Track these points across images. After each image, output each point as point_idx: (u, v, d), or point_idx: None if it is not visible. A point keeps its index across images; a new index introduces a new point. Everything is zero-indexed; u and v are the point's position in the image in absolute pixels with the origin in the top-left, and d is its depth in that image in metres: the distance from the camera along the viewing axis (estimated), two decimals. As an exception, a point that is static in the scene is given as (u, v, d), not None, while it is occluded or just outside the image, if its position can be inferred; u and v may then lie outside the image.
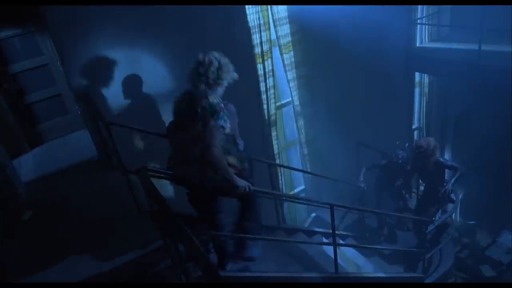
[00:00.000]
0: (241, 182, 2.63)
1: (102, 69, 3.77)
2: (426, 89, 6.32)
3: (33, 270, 2.75)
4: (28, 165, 4.11)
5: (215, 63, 2.60)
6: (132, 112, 4.02)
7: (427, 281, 4.16)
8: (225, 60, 2.66)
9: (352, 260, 4.37)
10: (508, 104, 5.79)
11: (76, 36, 3.54)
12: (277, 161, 5.32)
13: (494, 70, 4.89)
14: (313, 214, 5.99)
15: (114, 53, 3.79)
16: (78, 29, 3.52)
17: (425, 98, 6.40)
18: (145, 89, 4.09)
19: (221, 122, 2.49)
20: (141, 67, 4.01)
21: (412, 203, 5.21)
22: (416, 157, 4.34)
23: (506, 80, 4.79)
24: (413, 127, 6.73)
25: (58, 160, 4.08)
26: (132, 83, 3.98)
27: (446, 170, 4.40)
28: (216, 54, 2.65)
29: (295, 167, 5.86)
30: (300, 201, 5.61)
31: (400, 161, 4.94)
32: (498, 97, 6.52)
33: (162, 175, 2.78)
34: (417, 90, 6.35)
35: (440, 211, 4.50)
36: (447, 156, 6.89)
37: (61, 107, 4.43)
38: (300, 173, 5.94)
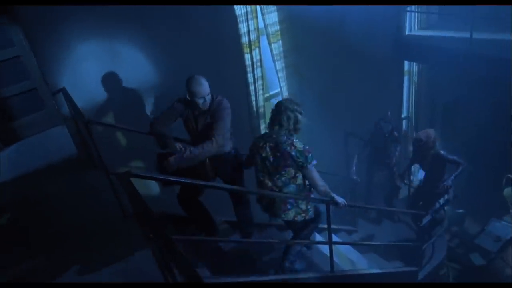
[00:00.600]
0: (339, 199, 2.91)
1: (79, 63, 3.54)
2: (415, 78, 6.25)
3: (7, 278, 2.56)
4: (2, 165, 3.84)
5: (296, 114, 2.71)
6: (112, 108, 3.81)
7: (421, 273, 4.13)
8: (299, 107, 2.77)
9: (345, 255, 4.29)
10: (497, 92, 5.78)
11: (50, 26, 3.29)
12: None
13: (484, 58, 4.83)
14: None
15: (92, 46, 3.56)
16: (51, 19, 3.28)
17: (414, 86, 6.34)
18: (126, 84, 3.88)
19: (314, 162, 2.71)
20: (122, 61, 3.78)
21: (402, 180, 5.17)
22: (416, 150, 4.26)
23: (496, 68, 4.75)
24: (402, 116, 6.69)
25: (35, 159, 3.81)
26: (112, 78, 3.76)
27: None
28: (289, 103, 2.75)
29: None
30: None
31: (385, 133, 4.91)
32: (487, 85, 6.52)
33: (148, 177, 2.61)
34: (406, 79, 6.28)
35: (438, 204, 4.46)
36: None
37: (36, 102, 4.13)
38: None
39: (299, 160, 2.65)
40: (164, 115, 3.07)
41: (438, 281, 4.63)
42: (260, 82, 4.80)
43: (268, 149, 2.77)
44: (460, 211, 6.19)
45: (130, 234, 2.40)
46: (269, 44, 4.80)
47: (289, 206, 2.89)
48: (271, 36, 4.73)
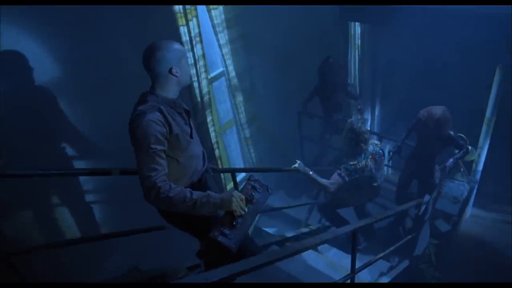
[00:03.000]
0: None
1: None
2: (358, 41, 5.66)
3: None
4: None
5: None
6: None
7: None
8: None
9: (335, 263, 3.62)
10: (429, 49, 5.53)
11: None
12: (216, 152, 4.13)
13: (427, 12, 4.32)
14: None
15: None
16: None
17: (357, 51, 5.77)
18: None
19: None
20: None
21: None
22: (423, 130, 3.58)
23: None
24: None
25: None
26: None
27: None
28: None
29: (234, 152, 4.76)
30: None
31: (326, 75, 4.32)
32: (419, 43, 6.33)
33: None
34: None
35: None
36: (376, 110, 6.55)
37: None
38: (240, 160, 4.85)
39: None
40: None
41: (423, 260, 4.30)
42: (201, 62, 3.66)
43: None
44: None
45: None
46: (208, 11, 3.65)
47: None
48: (209, 0, 3.57)
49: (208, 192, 1.78)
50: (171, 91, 1.92)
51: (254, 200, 1.83)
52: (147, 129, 1.74)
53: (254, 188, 1.89)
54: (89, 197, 3.42)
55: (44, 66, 2.82)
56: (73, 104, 3.07)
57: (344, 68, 5.09)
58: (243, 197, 1.79)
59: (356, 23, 5.51)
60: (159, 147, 1.77)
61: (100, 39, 3.02)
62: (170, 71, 1.87)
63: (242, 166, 4.81)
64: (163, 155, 1.79)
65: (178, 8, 3.23)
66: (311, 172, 3.12)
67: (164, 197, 1.70)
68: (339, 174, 3.19)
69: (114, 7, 2.82)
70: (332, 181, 3.18)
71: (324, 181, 3.16)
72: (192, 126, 2.07)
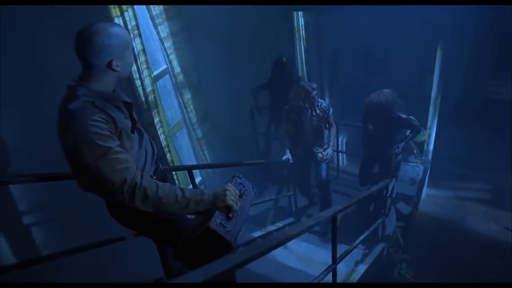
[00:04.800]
0: None
1: None
2: (303, 32, 5.60)
3: None
4: None
5: None
6: None
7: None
8: None
9: (308, 258, 3.43)
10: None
11: None
12: (167, 156, 3.79)
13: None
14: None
15: None
16: None
17: (302, 43, 5.70)
18: None
19: None
20: None
21: None
22: (371, 114, 3.56)
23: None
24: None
25: None
26: None
27: None
28: None
29: (187, 155, 4.42)
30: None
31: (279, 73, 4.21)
32: (360, 33, 6.44)
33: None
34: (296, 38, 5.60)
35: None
36: (326, 100, 6.54)
37: None
38: (194, 162, 4.52)
39: None
40: None
41: (390, 244, 4.27)
42: (142, 58, 3.31)
43: None
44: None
45: None
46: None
47: None
48: (145, -12, 3.26)
49: (200, 188, 1.54)
50: (107, 85, 1.55)
51: (243, 197, 1.62)
52: (91, 132, 1.38)
53: (241, 185, 1.68)
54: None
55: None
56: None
57: (294, 65, 4.97)
58: (237, 191, 1.55)
59: (300, 14, 5.46)
60: (114, 144, 1.43)
61: (22, 41, 2.57)
62: (109, 64, 1.49)
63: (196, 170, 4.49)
64: (122, 149, 1.46)
65: (110, -3, 2.89)
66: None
67: (152, 197, 1.42)
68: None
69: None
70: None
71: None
72: (136, 119, 1.73)
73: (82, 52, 1.46)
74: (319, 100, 3.61)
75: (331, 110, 3.62)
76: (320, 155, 3.66)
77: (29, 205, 2.74)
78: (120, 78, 1.60)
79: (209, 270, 1.00)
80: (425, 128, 5.15)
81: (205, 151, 4.32)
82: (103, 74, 1.52)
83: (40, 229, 2.87)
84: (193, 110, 4.07)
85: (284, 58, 4.41)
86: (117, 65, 1.52)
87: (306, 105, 3.47)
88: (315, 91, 3.47)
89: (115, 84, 1.62)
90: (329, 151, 3.66)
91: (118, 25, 1.57)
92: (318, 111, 3.54)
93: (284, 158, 3.63)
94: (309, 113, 3.52)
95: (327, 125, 3.67)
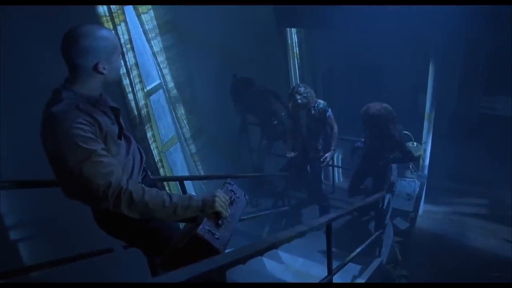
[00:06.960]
0: None
1: None
2: (296, 49, 5.66)
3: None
4: None
5: None
6: None
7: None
8: None
9: (304, 273, 3.34)
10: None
11: None
12: (160, 171, 3.74)
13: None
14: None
15: None
16: None
17: (296, 60, 5.76)
18: None
19: None
20: None
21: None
22: (369, 128, 3.56)
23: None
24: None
25: None
26: None
27: None
28: None
29: (180, 171, 4.37)
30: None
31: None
32: (355, 50, 6.51)
33: None
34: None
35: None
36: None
37: None
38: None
39: None
40: None
41: (388, 260, 4.18)
42: (135, 72, 3.31)
43: None
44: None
45: None
46: (138, 16, 3.35)
47: None
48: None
49: (189, 194, 1.50)
50: (93, 88, 1.52)
51: (234, 204, 1.57)
52: (74, 134, 1.34)
53: (232, 192, 1.64)
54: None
55: None
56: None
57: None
58: (227, 197, 1.51)
59: (293, 31, 5.53)
60: (98, 147, 1.39)
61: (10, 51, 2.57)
62: (95, 67, 1.46)
63: (190, 184, 4.42)
64: (106, 153, 1.42)
65: (103, 10, 2.90)
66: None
67: (138, 202, 1.37)
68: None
69: (24, 12, 2.42)
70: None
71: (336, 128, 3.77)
72: (123, 125, 1.70)
73: (68, 54, 1.44)
74: (318, 100, 3.70)
75: (329, 111, 3.69)
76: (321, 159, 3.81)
77: (16, 219, 2.67)
78: (106, 82, 1.57)
79: (194, 269, 0.95)
80: (420, 143, 5.14)
81: (199, 167, 4.28)
82: (89, 77, 1.49)
83: (27, 245, 2.79)
84: (186, 125, 4.05)
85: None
86: (104, 68, 1.49)
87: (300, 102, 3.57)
88: (308, 93, 3.58)
89: (102, 89, 1.59)
90: (329, 154, 3.79)
91: (106, 28, 1.57)
92: (313, 112, 3.64)
93: (288, 155, 3.88)
94: (305, 112, 3.66)
95: (327, 127, 3.78)
